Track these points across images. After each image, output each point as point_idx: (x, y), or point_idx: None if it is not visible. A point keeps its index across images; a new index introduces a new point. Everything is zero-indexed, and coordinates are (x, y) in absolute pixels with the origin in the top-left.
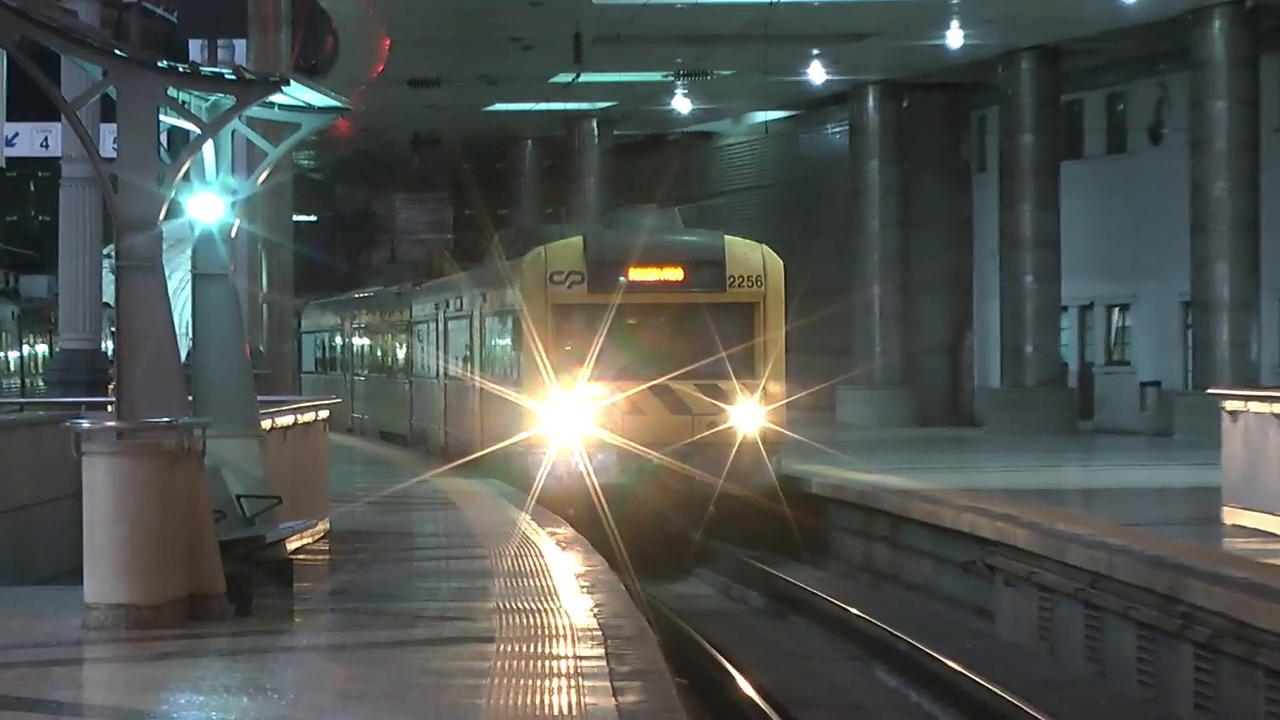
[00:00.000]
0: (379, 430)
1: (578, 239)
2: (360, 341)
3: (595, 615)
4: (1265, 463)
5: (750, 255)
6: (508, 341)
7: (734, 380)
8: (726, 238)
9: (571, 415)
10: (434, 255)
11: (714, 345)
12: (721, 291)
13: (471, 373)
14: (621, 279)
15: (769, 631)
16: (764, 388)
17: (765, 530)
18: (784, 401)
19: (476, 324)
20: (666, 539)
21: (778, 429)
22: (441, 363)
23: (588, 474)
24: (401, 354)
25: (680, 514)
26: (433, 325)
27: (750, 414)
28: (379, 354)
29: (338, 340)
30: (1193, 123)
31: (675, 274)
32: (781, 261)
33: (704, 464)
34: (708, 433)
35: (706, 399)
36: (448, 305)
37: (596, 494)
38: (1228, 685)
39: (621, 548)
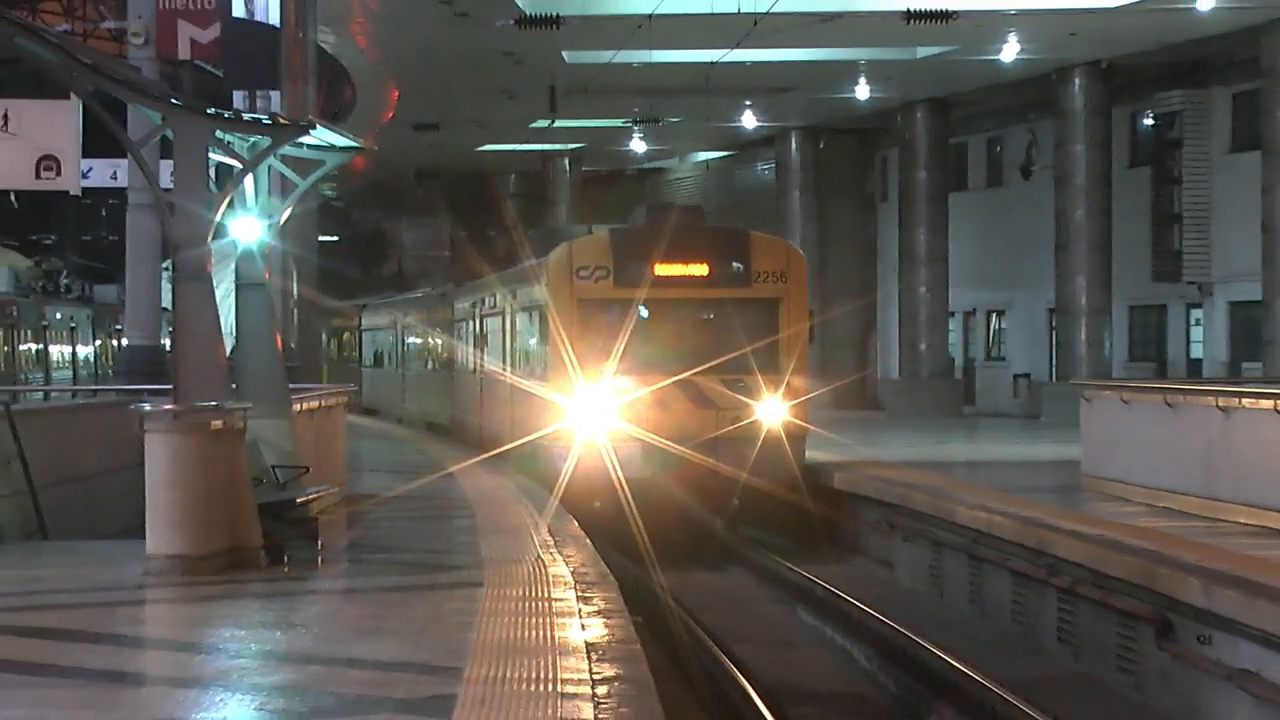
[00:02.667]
0: (425, 422)
1: (604, 234)
2: (409, 339)
3: (567, 565)
4: (1116, 440)
5: (774, 250)
6: (535, 337)
7: (758, 375)
8: (752, 233)
9: (597, 409)
10: (473, 258)
11: (738, 340)
12: (746, 286)
13: (503, 367)
14: (647, 274)
15: (711, 579)
16: (788, 382)
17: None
18: (808, 396)
19: (507, 321)
20: (691, 531)
21: (801, 423)
22: (477, 358)
23: (613, 467)
24: (443, 350)
25: (705, 507)
26: (470, 323)
27: (774, 408)
28: (424, 350)
29: (391, 338)
30: (1057, 161)
31: (700, 269)
32: (804, 257)
33: (728, 458)
34: (732, 427)
35: (731, 394)
36: (483, 303)
37: (622, 487)
38: (1085, 623)
39: (646, 540)
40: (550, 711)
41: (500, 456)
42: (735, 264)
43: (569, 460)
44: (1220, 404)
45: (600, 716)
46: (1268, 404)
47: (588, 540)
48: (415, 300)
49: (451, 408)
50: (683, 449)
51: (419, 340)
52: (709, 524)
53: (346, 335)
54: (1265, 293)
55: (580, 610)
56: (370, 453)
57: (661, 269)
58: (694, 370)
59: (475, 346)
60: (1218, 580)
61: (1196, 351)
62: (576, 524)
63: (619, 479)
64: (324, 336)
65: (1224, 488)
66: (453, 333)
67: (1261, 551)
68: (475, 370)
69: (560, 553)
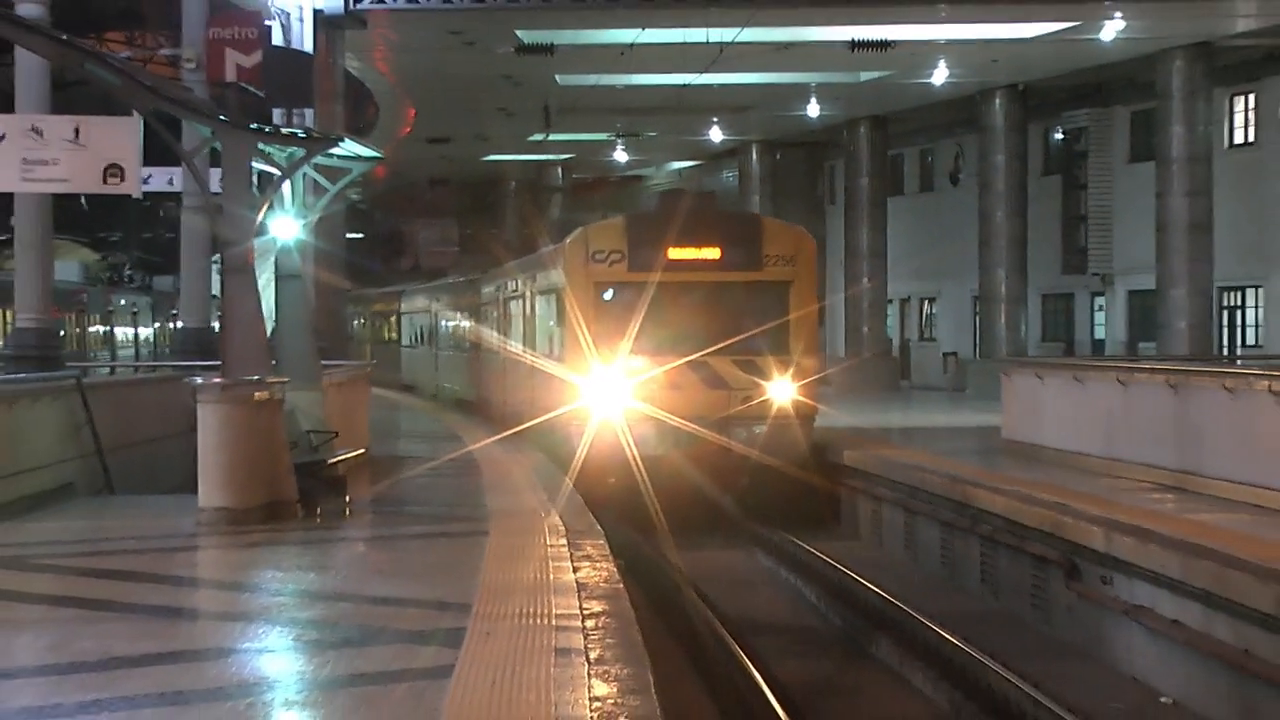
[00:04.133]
0: (455, 399)
1: (619, 219)
2: (443, 322)
3: (560, 517)
4: (1031, 409)
5: (784, 235)
6: (553, 319)
7: (768, 356)
8: (763, 218)
9: (612, 389)
10: (494, 245)
11: (749, 322)
12: (757, 270)
13: (523, 348)
14: (660, 258)
15: (681, 530)
16: (797, 362)
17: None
18: (816, 376)
19: (528, 304)
20: (702, 506)
21: (810, 403)
22: (500, 339)
23: (628, 445)
24: (470, 332)
25: (717, 484)
26: (494, 307)
27: (784, 388)
28: (455, 332)
29: (427, 321)
30: (980, 170)
31: (713, 253)
32: (814, 241)
33: (740, 436)
34: (743, 406)
35: (742, 374)
36: (506, 288)
37: (636, 464)
38: (1003, 566)
39: (660, 514)
40: (546, 642)
41: (520, 432)
42: (747, 248)
43: (585, 438)
44: (1120, 379)
45: (589, 645)
46: (1160, 378)
47: (578, 496)
48: (447, 286)
49: (477, 386)
50: (695, 428)
51: (450, 323)
52: (716, 497)
53: (389, 319)
54: (1159, 283)
55: (572, 555)
56: (397, 423)
57: (675, 253)
58: (706, 351)
59: (499, 329)
60: (1117, 529)
61: (1100, 333)
62: (570, 484)
63: (633, 456)
64: (368, 320)
65: (1123, 449)
66: (479, 316)
67: (1153, 505)
68: (499, 351)
69: (555, 505)
